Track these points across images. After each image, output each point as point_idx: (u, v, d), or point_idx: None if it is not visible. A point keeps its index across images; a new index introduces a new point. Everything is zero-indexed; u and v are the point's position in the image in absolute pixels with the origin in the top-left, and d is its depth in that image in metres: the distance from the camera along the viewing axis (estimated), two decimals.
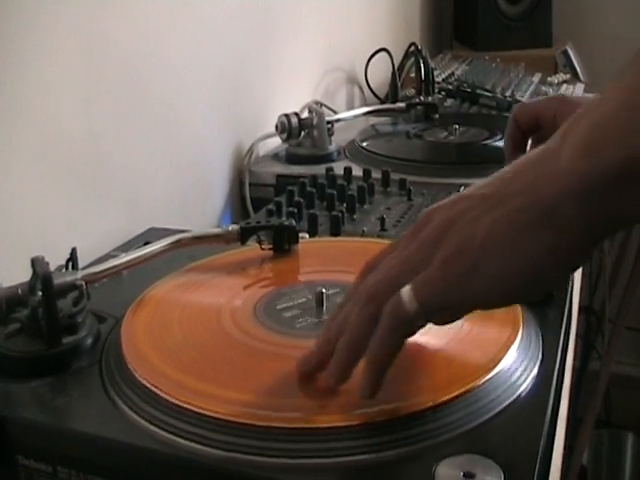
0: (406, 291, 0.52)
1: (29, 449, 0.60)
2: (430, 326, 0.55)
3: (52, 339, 0.67)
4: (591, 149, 0.47)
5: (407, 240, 0.56)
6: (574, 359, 0.80)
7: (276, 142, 1.45)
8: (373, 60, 1.98)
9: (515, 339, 0.65)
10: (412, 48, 2.06)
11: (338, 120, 1.46)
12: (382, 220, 1.00)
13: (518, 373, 0.62)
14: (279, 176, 1.32)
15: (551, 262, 0.49)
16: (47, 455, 0.59)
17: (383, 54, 1.96)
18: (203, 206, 1.29)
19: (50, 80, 0.93)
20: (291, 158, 1.38)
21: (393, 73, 1.85)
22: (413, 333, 0.54)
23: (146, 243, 0.96)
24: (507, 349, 0.63)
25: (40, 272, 0.68)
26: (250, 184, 1.34)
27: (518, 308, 0.69)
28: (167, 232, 1.00)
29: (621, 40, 2.64)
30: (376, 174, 1.19)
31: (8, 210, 0.88)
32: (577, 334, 0.78)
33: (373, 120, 1.61)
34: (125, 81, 1.06)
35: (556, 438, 0.63)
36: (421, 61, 1.85)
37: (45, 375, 0.65)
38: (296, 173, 1.30)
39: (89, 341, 0.70)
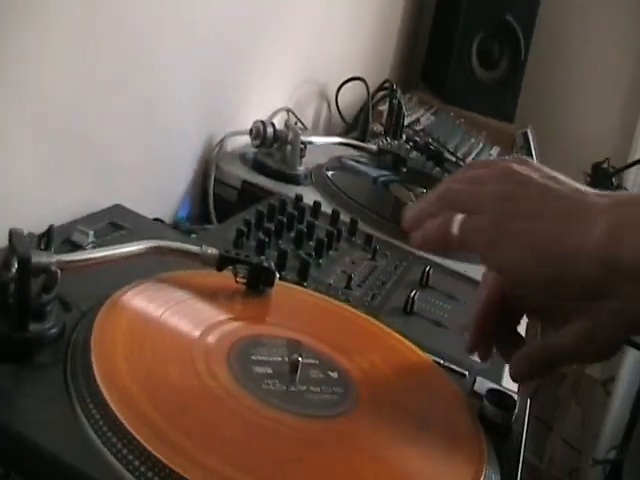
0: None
1: None
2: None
3: (20, 323, 0.63)
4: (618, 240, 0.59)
5: (490, 176, 0.68)
6: None
7: (245, 140, 1.42)
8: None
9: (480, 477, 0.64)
10: (387, 84, 2.07)
11: (311, 142, 1.44)
12: (349, 278, 0.98)
13: None
14: (245, 182, 1.29)
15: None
16: (1, 455, 0.55)
17: (357, 81, 1.95)
18: (166, 189, 1.26)
19: (40, 52, 0.88)
20: (259, 166, 1.35)
21: (367, 108, 1.84)
22: None
23: (111, 223, 0.93)
24: None
25: (20, 252, 0.63)
26: (215, 178, 1.31)
27: (483, 443, 0.69)
28: (131, 214, 0.98)
29: (579, 136, 2.73)
30: (344, 216, 1.18)
31: None
32: None
33: (338, 148, 1.59)
34: (112, 56, 1.02)
35: None
36: (395, 104, 1.85)
37: (6, 361, 0.61)
38: (262, 185, 1.29)
39: (54, 331, 0.65)
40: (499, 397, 0.76)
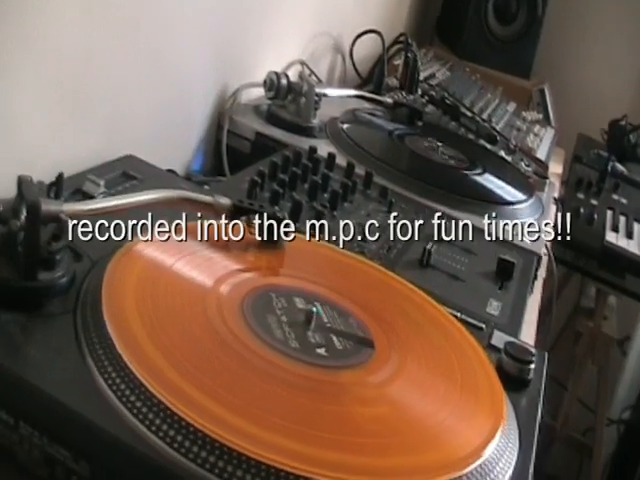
0: None
1: None
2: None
3: (29, 272, 0.62)
4: None
5: None
6: None
7: (259, 91, 1.39)
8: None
9: (499, 427, 0.63)
10: (402, 38, 2.03)
11: (325, 95, 1.41)
12: (363, 231, 0.97)
13: (500, 464, 0.60)
14: (258, 134, 1.27)
15: None
16: (10, 405, 0.54)
17: (372, 34, 1.91)
18: (179, 141, 1.23)
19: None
20: (272, 118, 1.32)
21: (382, 61, 1.81)
22: None
23: (123, 173, 0.91)
24: (492, 438, 0.61)
25: (29, 200, 0.62)
26: (228, 130, 1.28)
27: (502, 395, 0.68)
28: (144, 165, 0.96)
29: (596, 93, 2.69)
30: (359, 169, 1.16)
31: None
32: None
33: (352, 101, 1.57)
34: (124, 7, 0.99)
35: None
36: (411, 57, 1.82)
37: (15, 310, 0.60)
38: (276, 137, 1.27)
39: (64, 280, 0.64)
40: (517, 350, 0.75)
